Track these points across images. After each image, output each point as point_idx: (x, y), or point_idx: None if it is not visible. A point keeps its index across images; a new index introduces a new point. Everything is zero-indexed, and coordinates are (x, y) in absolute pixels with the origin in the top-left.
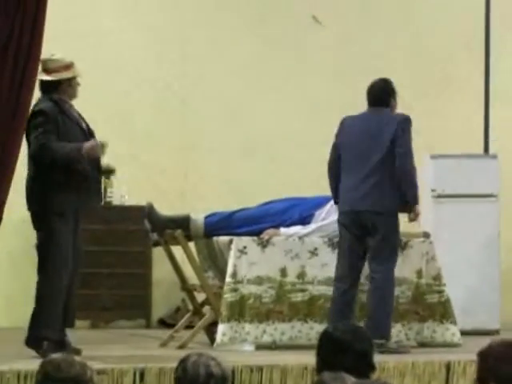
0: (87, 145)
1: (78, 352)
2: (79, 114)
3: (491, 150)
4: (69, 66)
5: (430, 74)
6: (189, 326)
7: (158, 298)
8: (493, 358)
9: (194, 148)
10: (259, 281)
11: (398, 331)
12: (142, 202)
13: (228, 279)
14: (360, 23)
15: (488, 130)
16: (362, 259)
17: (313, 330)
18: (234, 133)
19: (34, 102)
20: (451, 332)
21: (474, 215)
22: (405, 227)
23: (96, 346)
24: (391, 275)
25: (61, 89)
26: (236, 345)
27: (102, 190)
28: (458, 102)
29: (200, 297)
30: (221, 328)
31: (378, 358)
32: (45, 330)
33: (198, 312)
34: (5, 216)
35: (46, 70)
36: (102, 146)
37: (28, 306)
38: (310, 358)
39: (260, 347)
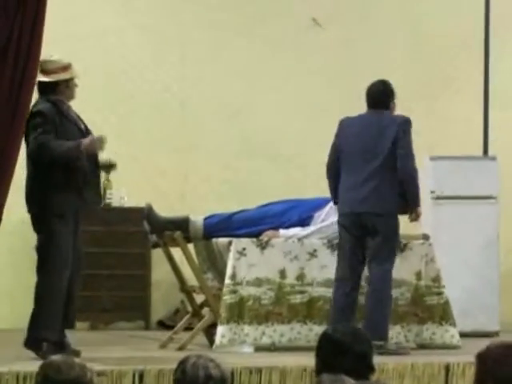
0: (86, 141)
1: (77, 353)
2: (77, 115)
3: (490, 152)
4: (66, 67)
5: (429, 75)
6: (188, 328)
7: (157, 300)
8: (491, 360)
9: (194, 149)
10: (258, 282)
11: (397, 333)
12: (142, 204)
13: (227, 281)
14: (360, 25)
15: (487, 132)
16: (363, 261)
17: (312, 331)
18: (233, 134)
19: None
20: (450, 334)
21: (473, 217)
22: (404, 229)
23: (95, 347)
24: (389, 276)
25: (58, 90)
26: (235, 346)
27: (102, 190)
28: (458, 104)
29: (199, 298)
30: (220, 330)
31: (377, 360)
32: (44, 332)
33: (197, 314)
34: (4, 217)
35: (44, 71)
36: (102, 141)
37: (29, 308)
38: (309, 360)
39: (259, 349)
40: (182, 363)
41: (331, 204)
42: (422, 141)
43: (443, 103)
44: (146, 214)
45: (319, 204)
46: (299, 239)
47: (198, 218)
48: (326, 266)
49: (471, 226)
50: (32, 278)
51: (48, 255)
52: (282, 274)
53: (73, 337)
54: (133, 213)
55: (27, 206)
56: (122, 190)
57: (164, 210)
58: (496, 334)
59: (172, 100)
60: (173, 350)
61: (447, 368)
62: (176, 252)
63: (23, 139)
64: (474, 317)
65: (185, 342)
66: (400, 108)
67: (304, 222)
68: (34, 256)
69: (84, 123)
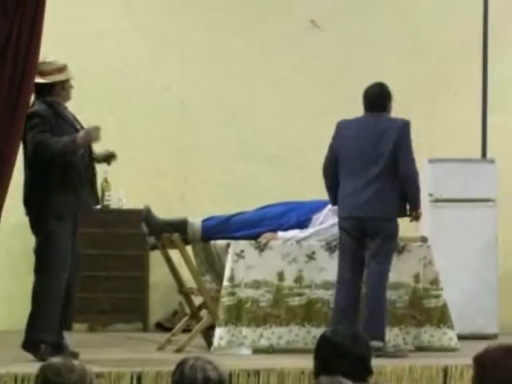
0: (80, 134)
1: (75, 355)
2: (74, 116)
3: (489, 155)
4: (62, 69)
5: (427, 78)
6: (186, 330)
7: (155, 302)
8: (489, 363)
9: (193, 150)
10: (256, 285)
11: (395, 335)
12: (140, 206)
13: (225, 283)
14: (359, 26)
15: (486, 135)
16: (364, 263)
17: (310, 334)
18: (232, 135)
19: None
20: (448, 336)
21: (471, 220)
22: (402, 231)
23: (93, 349)
24: (386, 276)
25: (54, 91)
26: (233, 348)
27: (100, 191)
28: (456, 107)
29: (197, 300)
30: (218, 332)
31: (375, 362)
32: (42, 333)
33: (195, 316)
34: (2, 219)
35: (40, 73)
36: (97, 130)
37: (27, 310)
38: (307, 362)
39: (257, 351)
40: (180, 365)
41: (330, 206)
42: (420, 143)
43: (442, 106)
44: (145, 215)
45: (318, 206)
46: (297, 241)
47: (196, 220)
48: (325, 269)
49: (469, 229)
50: (30, 280)
51: (46, 257)
52: (281, 276)
53: (71, 338)
54: (131, 215)
55: (25, 208)
56: (121, 192)
57: (163, 212)
58: (494, 336)
59: (171, 101)
60: (171, 352)
61: (445, 371)
62: (174, 254)
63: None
64: (472, 319)
65: (183, 344)
66: (398, 110)
67: (302, 225)
68: (32, 258)
69: (80, 124)
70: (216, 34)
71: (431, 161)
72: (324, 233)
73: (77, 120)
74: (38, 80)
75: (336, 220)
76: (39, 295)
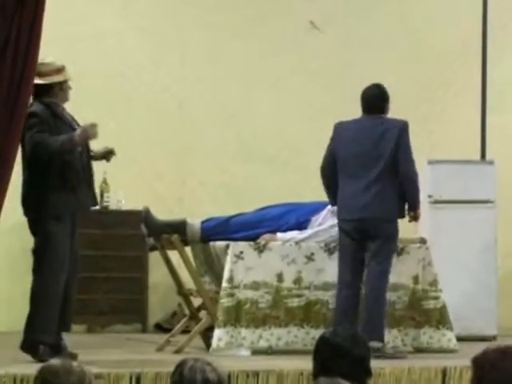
0: (77, 132)
1: (74, 356)
2: (72, 117)
3: (488, 156)
4: (60, 70)
5: (427, 79)
6: (185, 331)
7: (154, 303)
8: (488, 365)
9: (193, 151)
10: (256, 286)
11: (394, 337)
12: (139, 207)
13: (224, 284)
14: (358, 27)
15: (485, 136)
16: (364, 264)
17: (309, 335)
18: (231, 137)
19: None
20: (447, 338)
21: (470, 221)
22: (401, 233)
23: (92, 350)
24: (386, 276)
25: (52, 92)
26: (232, 350)
27: (99, 191)
28: (455, 108)
29: (196, 301)
30: (217, 333)
31: (374, 364)
32: (40, 335)
33: (194, 317)
34: (2, 219)
35: (38, 74)
36: (94, 127)
37: (26, 310)
38: (306, 364)
39: (256, 352)
40: (180, 366)
41: (329, 208)
42: (419, 145)
43: (441, 107)
44: (144, 216)
45: (317, 208)
46: (296, 243)
47: (195, 222)
48: (324, 270)
49: (469, 231)
50: (29, 280)
51: (44, 257)
52: (280, 277)
53: (69, 340)
54: (130, 216)
55: (23, 209)
56: (120, 193)
57: (162, 213)
58: (493, 338)
59: (170, 102)
60: (170, 353)
61: (444, 372)
62: (173, 255)
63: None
64: (471, 321)
65: (182, 345)
66: (397, 111)
67: (301, 226)
68: (31, 258)
69: (79, 125)
70: (216, 34)
71: (431, 162)
72: (323, 234)
73: (75, 120)
74: (36, 81)
75: (335, 221)
76: (37, 296)
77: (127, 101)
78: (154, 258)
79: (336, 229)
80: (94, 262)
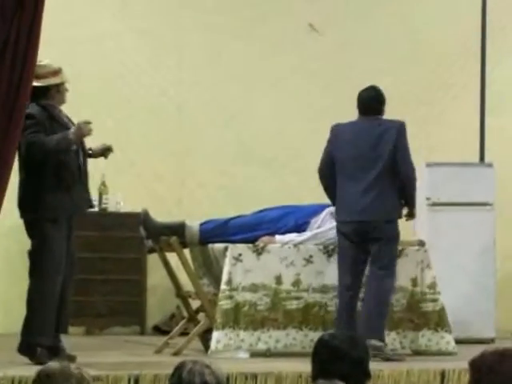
0: (71, 130)
1: (72, 358)
2: (69, 119)
3: (487, 159)
4: (57, 72)
5: (426, 81)
6: (183, 333)
7: (152, 305)
8: (486, 367)
9: (192, 154)
10: (254, 288)
11: (392, 339)
12: (138, 209)
13: (223, 286)
14: (358, 29)
15: (484, 139)
16: (364, 266)
17: (307, 337)
18: (230, 139)
19: None
20: (446, 340)
21: (469, 224)
22: (400, 235)
23: (90, 352)
24: (391, 280)
25: (49, 95)
26: (230, 352)
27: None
28: (454, 110)
29: (195, 304)
30: (215, 335)
31: (372, 366)
32: (38, 337)
33: (192, 319)
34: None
35: (35, 76)
36: (87, 124)
37: (23, 312)
38: (304, 366)
39: (255, 355)
40: (178, 369)
41: (328, 210)
42: (418, 147)
43: (440, 109)
44: (142, 219)
45: (315, 210)
46: (295, 245)
47: (194, 224)
48: (322, 272)
49: (467, 233)
50: (26, 283)
51: (41, 260)
52: (278, 279)
53: (67, 342)
54: (129, 218)
55: (20, 211)
56: (118, 195)
57: (161, 215)
58: (492, 340)
59: (169, 104)
60: (168, 355)
61: (443, 374)
62: (172, 257)
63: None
64: (469, 323)
65: (180, 347)
66: (396, 113)
67: (300, 228)
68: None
69: None
70: (215, 36)
71: (429, 164)
72: (321, 236)
73: (72, 122)
74: (33, 83)
75: (334, 224)
76: (34, 299)
77: (126, 103)
78: (153, 260)
79: (335, 231)
80: (92, 264)
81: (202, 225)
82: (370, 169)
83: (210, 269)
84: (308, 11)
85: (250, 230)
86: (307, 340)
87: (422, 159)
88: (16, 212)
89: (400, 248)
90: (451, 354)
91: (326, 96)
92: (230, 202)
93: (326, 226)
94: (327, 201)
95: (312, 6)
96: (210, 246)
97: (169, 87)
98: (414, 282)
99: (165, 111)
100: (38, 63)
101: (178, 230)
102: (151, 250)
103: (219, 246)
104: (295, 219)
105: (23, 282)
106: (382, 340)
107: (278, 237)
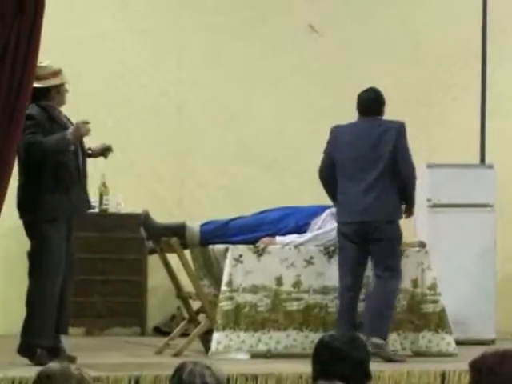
0: (70, 130)
1: (72, 359)
2: (69, 120)
3: (487, 160)
4: (57, 73)
5: (426, 82)
6: (184, 334)
7: (153, 306)
8: (486, 369)
9: (192, 154)
10: (255, 289)
11: (393, 340)
12: (138, 210)
13: (223, 287)
14: (358, 30)
15: (484, 140)
16: (365, 267)
17: (308, 338)
18: (230, 139)
19: None
20: (446, 342)
21: (469, 225)
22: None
23: (91, 353)
24: (396, 282)
25: (49, 96)
26: (231, 353)
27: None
28: (455, 112)
29: (195, 305)
30: (216, 336)
31: (373, 367)
32: (38, 338)
33: (193, 320)
34: None
35: (35, 77)
36: (85, 124)
37: (23, 313)
38: (305, 367)
39: (255, 356)
40: (179, 370)
41: (328, 211)
42: (418, 148)
43: (440, 110)
44: (143, 220)
45: (316, 211)
46: (296, 246)
47: (194, 225)
48: (323, 274)
49: (468, 234)
50: (26, 284)
51: (40, 261)
52: (279, 281)
53: (68, 343)
54: (129, 219)
55: (19, 212)
56: (119, 196)
57: (161, 216)
58: (492, 342)
59: (169, 104)
60: (169, 356)
61: (443, 376)
62: (172, 258)
63: None
64: (470, 325)
65: (181, 348)
66: (396, 115)
67: (301, 229)
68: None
69: None
70: (215, 36)
71: (430, 166)
72: (322, 238)
73: (71, 123)
74: (33, 84)
75: (335, 225)
76: (34, 300)
77: (126, 103)
78: (153, 261)
79: (335, 232)
80: (93, 265)
81: (202, 226)
82: (371, 169)
83: (211, 270)
84: (308, 11)
85: (251, 231)
86: (308, 341)
87: (423, 160)
88: (15, 213)
89: (401, 249)
90: (451, 356)
91: (326, 96)
92: (230, 202)
93: (326, 227)
94: (328, 202)
95: (312, 6)
96: (211, 247)
97: (169, 87)
98: (415, 283)
99: (165, 111)
100: (38, 64)
101: (179, 231)
102: (152, 251)
103: (220, 247)
104: (296, 220)
105: (23, 283)
106: (384, 338)
107: (278, 238)
